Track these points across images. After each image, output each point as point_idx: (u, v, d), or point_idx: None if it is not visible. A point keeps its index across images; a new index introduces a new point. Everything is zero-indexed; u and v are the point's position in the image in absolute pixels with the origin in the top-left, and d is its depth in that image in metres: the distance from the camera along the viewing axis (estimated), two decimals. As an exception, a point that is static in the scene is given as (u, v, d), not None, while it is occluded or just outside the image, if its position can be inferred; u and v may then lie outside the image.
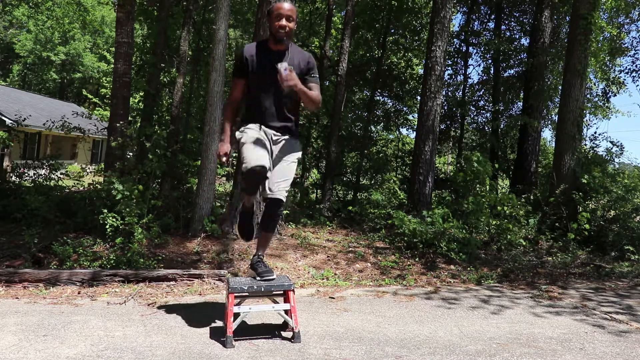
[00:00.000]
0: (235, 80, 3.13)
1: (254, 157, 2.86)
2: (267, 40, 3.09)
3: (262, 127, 3.07)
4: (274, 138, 3.10)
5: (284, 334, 3.07)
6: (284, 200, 3.09)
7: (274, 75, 2.88)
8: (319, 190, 10.84)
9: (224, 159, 3.13)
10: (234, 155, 3.17)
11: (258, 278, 3.06)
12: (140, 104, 13.09)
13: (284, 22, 2.95)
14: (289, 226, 7.16)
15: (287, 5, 2.96)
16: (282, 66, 2.79)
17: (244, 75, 3.09)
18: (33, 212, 5.80)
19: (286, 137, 3.13)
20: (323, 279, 4.92)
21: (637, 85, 22.54)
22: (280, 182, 3.05)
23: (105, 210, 5.29)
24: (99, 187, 6.41)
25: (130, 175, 5.99)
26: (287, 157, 3.11)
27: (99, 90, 23.92)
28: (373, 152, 12.00)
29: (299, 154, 3.21)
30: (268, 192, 3.04)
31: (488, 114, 13.22)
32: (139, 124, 9.15)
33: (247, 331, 3.10)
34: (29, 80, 33.81)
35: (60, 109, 23.50)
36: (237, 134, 3.13)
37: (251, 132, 3.03)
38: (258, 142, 2.97)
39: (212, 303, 3.77)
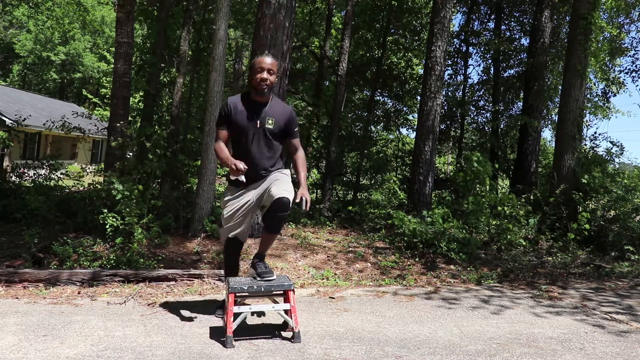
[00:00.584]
0: (218, 130, 3.24)
1: (232, 227, 3.22)
2: (250, 93, 3.25)
3: (248, 184, 3.19)
4: (263, 175, 3.22)
5: (284, 334, 3.08)
6: (291, 199, 3.05)
7: (257, 126, 3.14)
8: (319, 190, 10.83)
9: (241, 166, 3.01)
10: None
11: (258, 278, 3.06)
12: (140, 104, 13.10)
13: (265, 75, 3.12)
14: (289, 226, 7.16)
15: (268, 60, 3.15)
16: (304, 205, 3.09)
17: (227, 125, 3.20)
18: (33, 212, 5.79)
19: (275, 172, 3.26)
20: (323, 279, 4.92)
21: (637, 85, 22.56)
22: (283, 188, 3.07)
23: (105, 210, 5.29)
24: (99, 187, 6.41)
25: (130, 175, 5.99)
26: (277, 178, 3.21)
27: (99, 90, 23.91)
28: (373, 152, 12.00)
29: (287, 175, 3.31)
30: (275, 195, 3.02)
31: (488, 114, 13.23)
32: (139, 124, 9.15)
33: (247, 331, 3.10)
34: (29, 80, 33.82)
35: (60, 109, 23.50)
36: (224, 198, 3.30)
37: (233, 196, 3.22)
38: (241, 212, 3.20)
39: (212, 303, 3.76)
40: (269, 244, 3.27)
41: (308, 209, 3.16)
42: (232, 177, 3.10)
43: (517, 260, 5.95)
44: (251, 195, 3.21)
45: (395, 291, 4.50)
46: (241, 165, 2.96)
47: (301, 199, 3.09)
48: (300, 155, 3.32)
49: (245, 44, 17.09)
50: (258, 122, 3.14)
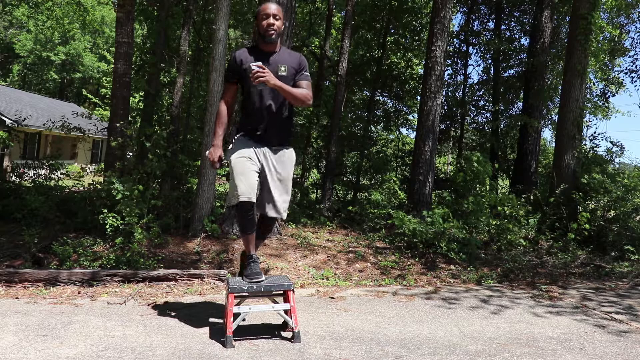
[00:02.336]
0: (227, 85, 3.16)
1: (244, 188, 2.92)
2: (257, 44, 3.13)
3: (256, 139, 3.08)
4: (273, 148, 3.12)
5: (284, 334, 3.07)
6: (285, 217, 3.21)
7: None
8: (319, 190, 10.83)
9: (217, 165, 3.12)
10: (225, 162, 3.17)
11: (246, 279, 3.02)
12: (140, 104, 13.10)
13: (271, 20, 3.00)
14: (289, 226, 7.16)
15: (273, 6, 3.04)
16: (253, 64, 2.85)
17: (235, 79, 3.12)
18: (33, 212, 5.80)
19: (283, 148, 3.16)
20: (323, 279, 4.92)
21: (636, 85, 22.55)
22: (282, 201, 3.13)
23: (105, 210, 5.29)
24: (99, 187, 6.41)
25: (130, 175, 5.99)
26: (286, 171, 3.15)
27: (99, 90, 23.93)
28: (373, 152, 12.00)
29: (293, 165, 3.23)
30: (271, 212, 3.12)
31: (488, 114, 13.23)
32: (139, 124, 9.15)
33: (247, 331, 3.10)
34: (29, 80, 33.82)
35: (60, 109, 23.50)
36: (230, 147, 3.13)
37: (242, 151, 3.03)
38: (248, 164, 2.98)
39: (212, 303, 3.77)
40: (259, 245, 3.34)
41: (253, 77, 2.84)
42: (209, 161, 3.11)
43: (517, 260, 5.94)
44: (258, 155, 3.06)
45: (395, 291, 4.50)
46: (217, 164, 3.08)
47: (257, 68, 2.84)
48: (304, 92, 3.05)
49: (245, 44, 17.08)
50: (269, 70, 2.95)
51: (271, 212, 3.12)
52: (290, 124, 3.21)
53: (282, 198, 3.12)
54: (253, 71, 2.82)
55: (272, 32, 3.01)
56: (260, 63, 2.87)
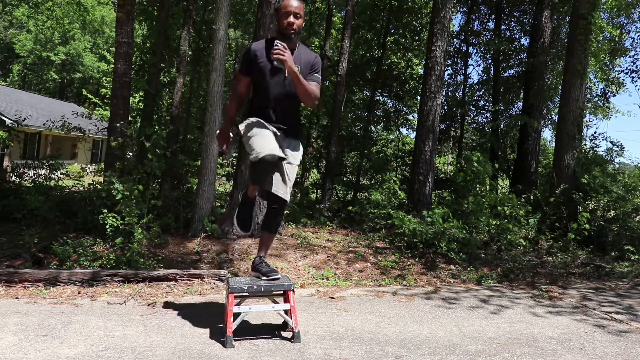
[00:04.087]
0: (241, 76, 3.14)
1: (266, 145, 2.82)
2: (276, 37, 3.06)
3: (268, 122, 3.05)
4: (284, 134, 3.10)
5: (284, 334, 3.07)
6: (288, 201, 3.13)
7: (281, 73, 2.96)
8: (319, 190, 10.84)
9: (224, 147, 3.13)
10: (234, 155, 3.18)
11: (264, 278, 3.05)
12: (140, 104, 13.10)
13: (292, 19, 2.97)
14: (289, 226, 7.16)
15: (294, 3, 2.98)
16: (278, 42, 2.85)
17: (249, 71, 3.08)
18: (33, 212, 5.79)
19: (290, 138, 3.15)
20: (323, 279, 4.92)
21: (636, 85, 22.55)
22: (289, 185, 3.08)
23: (105, 210, 5.29)
24: (99, 187, 6.41)
25: (130, 175, 5.99)
26: (291, 160, 3.12)
27: (99, 90, 23.90)
28: (373, 152, 12.00)
29: (301, 156, 3.23)
30: (280, 191, 3.02)
31: (488, 114, 13.23)
32: (139, 124, 9.15)
33: (247, 331, 3.09)
34: (29, 80, 33.82)
35: (60, 109, 23.49)
36: (241, 126, 3.08)
37: (258, 124, 3.00)
38: (267, 133, 2.95)
39: (212, 303, 3.77)
40: (268, 243, 3.27)
41: (274, 52, 2.83)
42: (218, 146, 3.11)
43: (517, 260, 5.94)
44: (272, 130, 3.03)
45: (395, 291, 4.50)
46: (224, 146, 3.13)
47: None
48: (315, 90, 3.04)
49: (245, 44, 17.08)
50: (282, 69, 2.94)
51: (280, 191, 3.02)
52: (299, 117, 3.22)
53: (289, 183, 3.08)
54: (276, 47, 2.82)
55: (292, 31, 2.98)
56: (285, 44, 2.86)
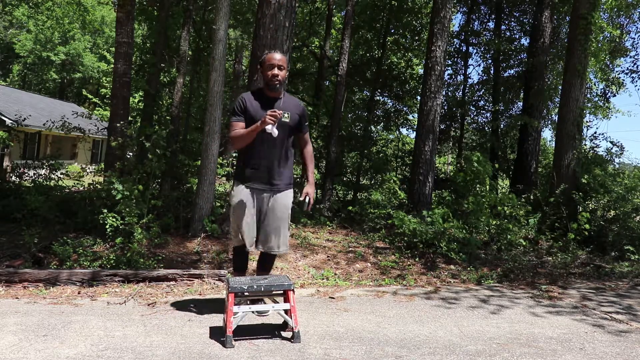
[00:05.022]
0: (234, 123, 3.26)
1: (245, 234, 3.23)
2: (262, 88, 3.34)
3: (258, 181, 3.25)
4: (274, 189, 3.29)
5: (284, 334, 3.07)
6: (282, 250, 3.41)
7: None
8: (319, 190, 10.82)
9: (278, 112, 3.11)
10: (234, 155, 3.33)
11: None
12: (140, 104, 13.09)
13: (276, 71, 3.21)
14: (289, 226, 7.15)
15: (277, 56, 3.25)
16: (279, 111, 3.03)
17: (244, 116, 3.26)
18: (33, 212, 5.79)
19: (284, 189, 3.34)
20: (323, 279, 4.92)
21: (636, 85, 22.55)
22: (283, 237, 3.34)
23: (105, 210, 5.29)
24: (99, 187, 6.41)
25: (130, 175, 5.98)
26: (284, 211, 3.32)
27: (99, 90, 23.89)
28: (373, 152, 11.99)
29: (292, 200, 3.43)
30: (274, 249, 3.33)
31: (488, 114, 13.22)
32: (139, 124, 9.15)
33: (247, 331, 3.10)
34: (29, 80, 33.82)
35: (60, 109, 23.49)
36: (231, 192, 3.38)
37: (241, 206, 3.24)
38: (246, 221, 3.23)
39: (212, 303, 3.77)
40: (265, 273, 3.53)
41: (309, 209, 3.28)
42: (268, 128, 3.03)
43: (517, 260, 5.94)
44: (255, 200, 3.28)
45: (395, 291, 4.50)
46: (278, 111, 3.04)
47: (305, 198, 3.25)
48: (310, 150, 3.49)
49: (245, 44, 17.08)
50: None
51: (274, 249, 3.34)
52: (291, 166, 3.42)
53: (283, 233, 3.34)
54: (308, 207, 3.29)
55: (277, 82, 3.23)
56: (281, 112, 3.07)
